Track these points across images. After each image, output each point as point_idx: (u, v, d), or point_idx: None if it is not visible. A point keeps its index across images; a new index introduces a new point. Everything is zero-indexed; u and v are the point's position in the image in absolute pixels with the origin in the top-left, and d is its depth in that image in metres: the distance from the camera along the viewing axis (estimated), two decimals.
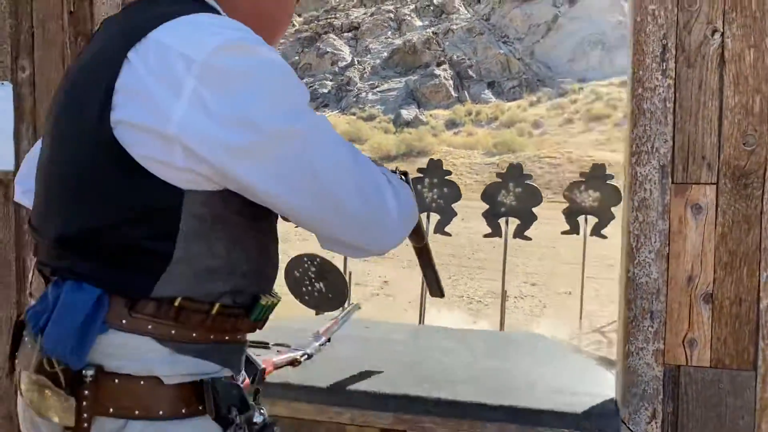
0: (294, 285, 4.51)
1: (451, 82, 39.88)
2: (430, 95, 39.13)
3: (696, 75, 1.63)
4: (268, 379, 1.33)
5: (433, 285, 1.53)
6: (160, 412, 0.94)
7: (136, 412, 0.93)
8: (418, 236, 1.40)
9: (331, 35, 52.92)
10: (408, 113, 36.78)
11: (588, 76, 38.02)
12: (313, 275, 4.41)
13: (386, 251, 1.06)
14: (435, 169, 5.52)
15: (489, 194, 5.61)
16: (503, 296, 6.25)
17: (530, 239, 5.96)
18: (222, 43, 0.90)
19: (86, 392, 0.91)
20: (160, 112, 0.89)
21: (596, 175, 6.20)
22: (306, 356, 1.70)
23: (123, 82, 0.91)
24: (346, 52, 51.20)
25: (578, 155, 22.38)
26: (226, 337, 1.02)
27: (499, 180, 5.61)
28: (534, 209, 5.68)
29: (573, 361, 2.20)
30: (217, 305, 0.98)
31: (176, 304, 0.95)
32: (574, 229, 6.32)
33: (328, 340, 1.85)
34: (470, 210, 9.82)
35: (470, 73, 40.50)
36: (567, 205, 6.21)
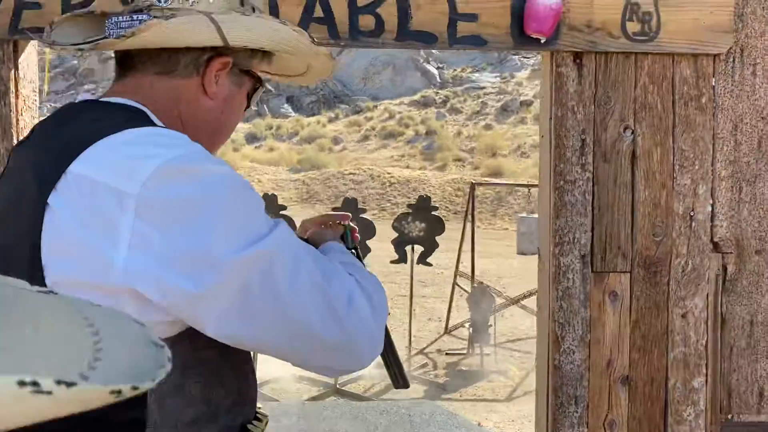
0: None
1: None
2: None
3: (612, 170, 1.71)
4: None
5: (396, 375, 1.38)
6: None
7: None
8: None
9: None
10: None
11: (380, 95, 39.70)
12: None
13: (369, 364, 0.98)
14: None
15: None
16: None
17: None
18: (158, 167, 0.78)
19: None
20: (98, 264, 0.76)
21: (422, 207, 6.43)
22: None
23: (48, 237, 0.78)
24: None
25: (378, 171, 23.24)
26: None
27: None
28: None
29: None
30: None
31: None
32: (402, 258, 6.50)
33: None
34: None
35: (269, 86, 40.32)
36: (396, 235, 6.37)
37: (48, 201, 0.78)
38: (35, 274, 0.78)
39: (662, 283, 1.74)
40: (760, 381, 1.77)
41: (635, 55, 1.69)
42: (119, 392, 0.36)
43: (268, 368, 5.37)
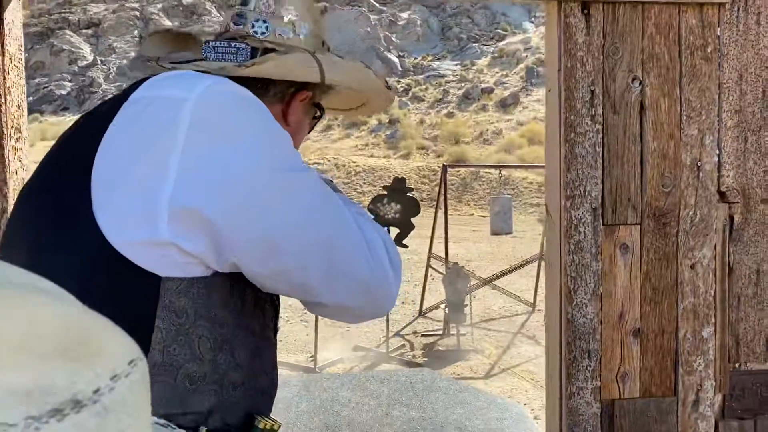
0: None
1: None
2: None
3: (621, 121, 1.70)
4: None
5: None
6: None
7: None
8: None
9: (68, 31, 47.99)
10: None
11: None
12: None
13: (386, 312, 0.98)
14: None
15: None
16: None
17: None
18: (212, 83, 0.83)
19: None
20: (150, 171, 0.77)
21: (397, 188, 6.40)
22: None
23: (103, 148, 0.79)
24: (86, 51, 46.82)
25: (343, 161, 23.14)
26: None
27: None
28: None
29: (481, 400, 2.19)
30: (203, 430, 0.81)
31: None
32: None
33: None
34: None
35: None
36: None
37: (108, 126, 0.80)
38: (85, 184, 0.78)
39: (671, 235, 1.74)
40: (766, 330, 1.79)
41: (642, 4, 1.68)
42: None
43: None
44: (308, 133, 1.11)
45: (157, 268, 0.78)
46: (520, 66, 32.45)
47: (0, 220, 1.60)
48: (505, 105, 29.72)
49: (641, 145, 1.71)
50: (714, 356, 1.77)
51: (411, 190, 6.48)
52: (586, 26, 1.68)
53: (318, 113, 1.10)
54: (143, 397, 0.30)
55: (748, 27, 1.73)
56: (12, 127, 1.63)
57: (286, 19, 1.01)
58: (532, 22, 36.67)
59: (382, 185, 7.46)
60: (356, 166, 22.98)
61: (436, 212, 8.18)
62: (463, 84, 33.09)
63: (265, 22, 1.00)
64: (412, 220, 6.50)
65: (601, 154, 1.70)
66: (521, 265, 8.68)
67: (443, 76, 34.56)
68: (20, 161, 1.67)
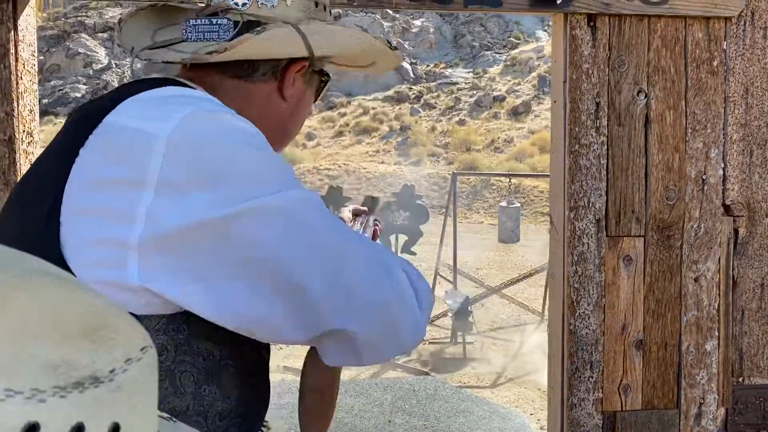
0: None
1: None
2: None
3: (626, 133, 1.71)
4: None
5: None
6: None
7: None
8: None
9: (83, 35, 48.44)
10: None
11: (354, 91, 39.61)
12: None
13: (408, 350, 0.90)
14: None
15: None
16: None
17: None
18: (189, 113, 0.78)
19: None
20: (120, 203, 0.74)
21: (406, 195, 6.42)
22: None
23: (73, 176, 0.76)
24: (101, 54, 47.23)
25: (354, 167, 23.19)
26: None
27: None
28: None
29: (483, 409, 2.19)
30: None
31: None
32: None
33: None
34: None
35: None
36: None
37: (79, 152, 0.77)
38: (53, 211, 0.75)
39: (675, 247, 1.74)
40: None
41: (648, 18, 1.69)
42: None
43: None
44: (315, 100, 1.04)
45: (132, 308, 0.74)
46: (533, 74, 32.42)
47: None
48: (517, 113, 29.69)
49: (646, 158, 1.72)
50: (717, 370, 1.77)
51: (419, 197, 6.50)
52: (592, 38, 1.68)
53: (324, 79, 1.02)
54: (152, 380, 0.35)
55: (754, 41, 1.73)
56: (24, 131, 1.66)
57: None
58: (545, 30, 36.65)
59: (392, 192, 7.50)
60: (366, 172, 23.01)
61: (445, 220, 8.18)
62: (475, 92, 33.10)
63: None
64: (421, 227, 6.52)
65: (605, 166, 1.71)
66: (530, 274, 8.66)
67: (455, 83, 34.59)
68: None
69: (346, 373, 6.22)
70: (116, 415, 0.31)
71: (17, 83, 1.62)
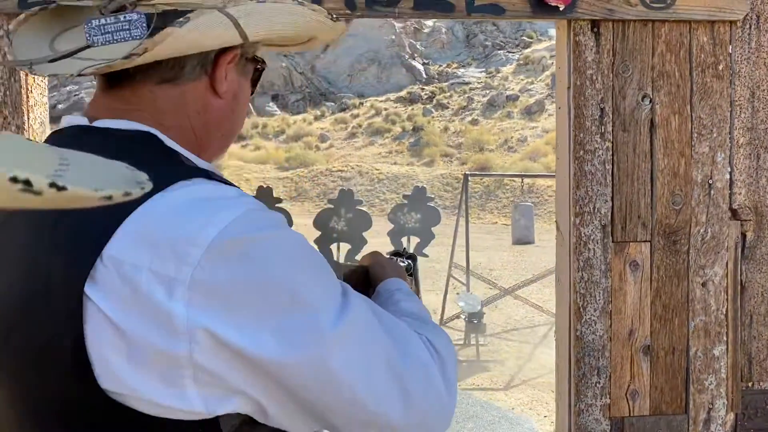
0: None
1: None
2: None
3: (631, 138, 1.71)
4: None
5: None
6: None
7: None
8: None
9: None
10: None
11: (366, 92, 39.65)
12: None
13: None
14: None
15: (321, 221, 5.53)
16: None
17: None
18: (208, 246, 0.67)
19: None
20: (158, 358, 0.67)
21: (417, 198, 6.42)
22: None
23: (94, 333, 0.67)
24: None
25: (367, 168, 23.23)
26: None
27: (331, 206, 5.55)
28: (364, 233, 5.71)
29: (492, 414, 2.19)
30: None
31: None
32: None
33: None
34: None
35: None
36: (392, 227, 6.34)
37: (85, 291, 0.67)
38: (82, 376, 0.68)
39: (682, 252, 1.74)
40: None
41: (652, 23, 1.69)
42: (110, 197, 0.40)
43: None
44: (252, 92, 0.94)
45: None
46: (546, 73, 32.30)
47: None
48: (530, 112, 29.60)
49: (651, 163, 1.72)
50: (726, 375, 1.76)
51: (431, 199, 6.50)
52: (596, 44, 1.68)
53: (259, 66, 0.92)
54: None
55: (760, 44, 1.72)
56: None
57: None
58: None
59: (404, 192, 7.51)
60: (379, 173, 23.05)
61: (457, 221, 8.18)
62: (487, 91, 33.04)
63: None
64: (433, 229, 6.51)
65: (610, 172, 1.71)
66: (543, 276, 8.64)
67: (468, 83, 34.54)
68: None
69: None
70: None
71: (27, 97, 1.65)
